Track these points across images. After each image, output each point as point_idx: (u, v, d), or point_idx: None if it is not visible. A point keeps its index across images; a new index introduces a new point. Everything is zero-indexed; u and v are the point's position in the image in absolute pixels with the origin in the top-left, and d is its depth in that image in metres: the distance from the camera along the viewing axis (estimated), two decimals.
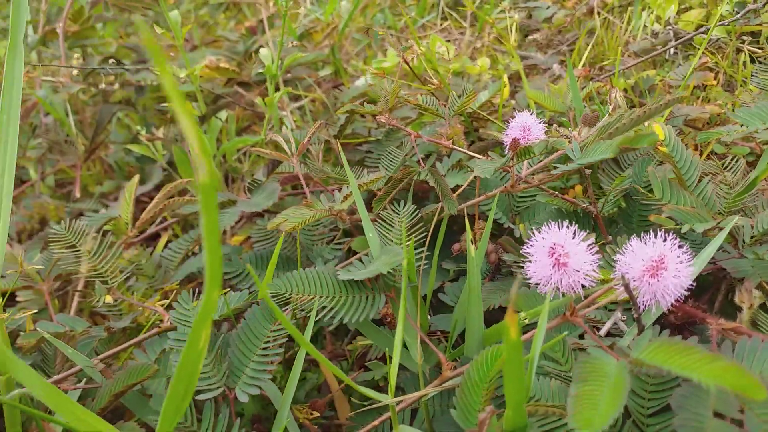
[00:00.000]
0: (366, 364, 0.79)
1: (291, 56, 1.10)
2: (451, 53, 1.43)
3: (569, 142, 0.68)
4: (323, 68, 1.61)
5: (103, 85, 1.16)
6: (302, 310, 0.63)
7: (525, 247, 0.54)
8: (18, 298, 0.94)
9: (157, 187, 1.14)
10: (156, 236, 1.12)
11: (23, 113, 1.29)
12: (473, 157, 0.77)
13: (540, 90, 1.08)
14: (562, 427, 0.53)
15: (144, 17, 1.22)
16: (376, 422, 0.61)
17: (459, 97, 0.83)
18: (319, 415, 0.68)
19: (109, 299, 0.70)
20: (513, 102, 1.21)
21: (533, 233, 0.54)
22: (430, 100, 0.83)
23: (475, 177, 0.79)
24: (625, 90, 1.31)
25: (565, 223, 0.53)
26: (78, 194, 1.17)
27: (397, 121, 0.80)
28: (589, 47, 1.37)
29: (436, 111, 0.82)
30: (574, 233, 0.52)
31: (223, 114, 1.13)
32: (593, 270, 0.51)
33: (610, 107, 0.94)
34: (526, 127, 0.79)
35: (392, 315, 0.65)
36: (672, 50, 1.30)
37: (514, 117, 0.81)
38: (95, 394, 0.64)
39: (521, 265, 0.56)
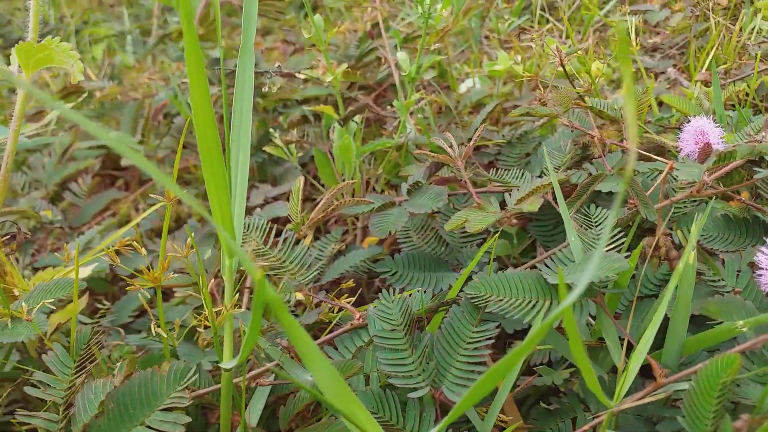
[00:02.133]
0: (534, 368, 0.79)
1: (430, 59, 1.11)
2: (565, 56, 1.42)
3: None
4: (426, 71, 1.61)
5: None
6: (502, 313, 0.63)
7: None
8: (176, 294, 0.97)
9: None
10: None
11: (154, 113, 1.34)
12: (649, 159, 0.76)
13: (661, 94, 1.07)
14: None
15: (277, 21, 1.26)
16: (586, 427, 0.60)
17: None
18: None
19: (299, 296, 0.71)
20: None
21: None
22: (602, 104, 0.82)
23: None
24: (747, 94, 1.27)
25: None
26: None
27: (577, 123, 0.80)
28: (713, 50, 1.34)
29: (612, 115, 0.81)
30: None
31: (357, 117, 1.14)
32: None
33: None
34: (703, 131, 0.78)
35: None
36: None
37: (689, 122, 0.80)
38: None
39: None
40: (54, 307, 0.67)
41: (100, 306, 0.98)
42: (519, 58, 1.59)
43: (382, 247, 1.06)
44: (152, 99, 1.50)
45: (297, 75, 1.08)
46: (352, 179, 1.03)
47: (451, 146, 0.85)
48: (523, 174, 0.87)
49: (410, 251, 0.94)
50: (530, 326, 0.71)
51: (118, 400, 0.53)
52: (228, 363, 0.53)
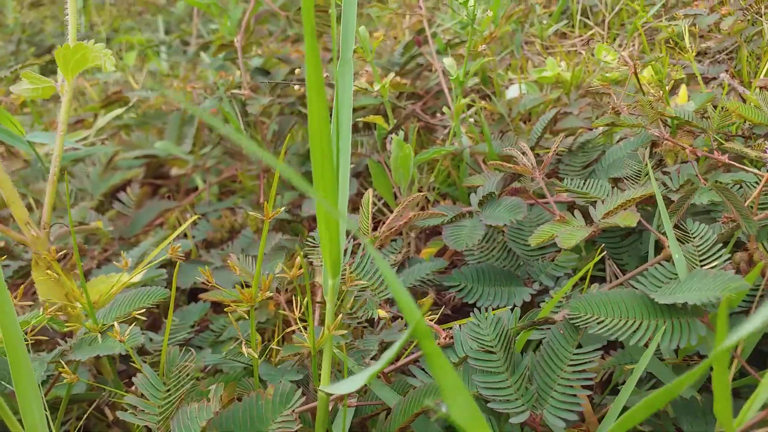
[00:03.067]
0: (619, 387, 0.76)
1: (478, 62, 1.08)
2: (615, 62, 1.39)
3: None
4: (470, 78, 1.59)
5: (290, 98, 1.17)
6: (605, 335, 0.61)
7: None
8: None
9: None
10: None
11: (199, 123, 1.32)
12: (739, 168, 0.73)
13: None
14: None
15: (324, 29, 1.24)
16: None
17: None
18: None
19: (382, 314, 0.69)
20: None
21: None
22: (687, 113, 0.80)
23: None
24: None
25: None
26: (263, 204, 1.19)
27: (665, 133, 0.77)
28: None
29: (696, 123, 0.78)
30: None
31: (409, 126, 1.12)
32: None
33: None
34: None
35: None
36: None
37: None
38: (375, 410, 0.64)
39: None
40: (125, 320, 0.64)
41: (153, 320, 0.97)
42: (563, 64, 1.56)
43: (443, 258, 1.03)
44: (192, 107, 1.49)
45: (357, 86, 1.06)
46: (419, 190, 1.00)
47: (525, 155, 0.82)
48: (600, 185, 0.85)
49: (477, 264, 0.91)
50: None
51: (221, 426, 0.50)
52: (337, 387, 0.50)
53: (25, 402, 0.48)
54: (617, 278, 0.84)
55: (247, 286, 0.93)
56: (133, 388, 0.61)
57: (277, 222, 1.18)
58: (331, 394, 0.54)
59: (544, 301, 0.79)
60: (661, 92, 0.95)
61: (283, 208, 1.20)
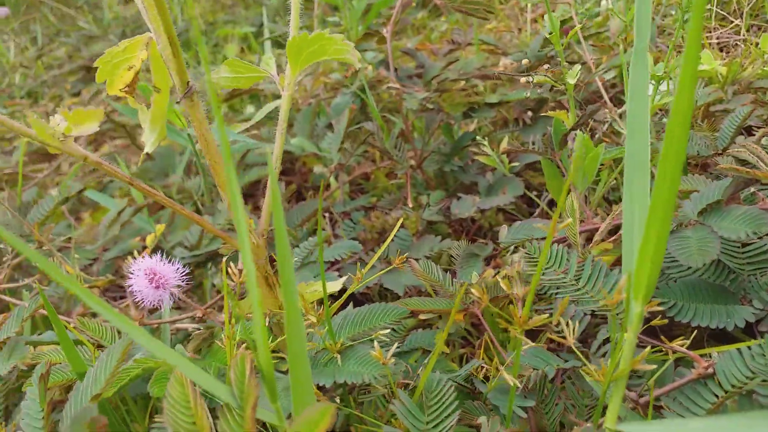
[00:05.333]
0: None
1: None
2: None
3: None
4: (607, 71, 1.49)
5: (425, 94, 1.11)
6: None
7: None
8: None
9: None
10: None
11: (340, 116, 1.27)
12: None
13: None
14: None
15: (484, 20, 1.17)
16: None
17: None
18: None
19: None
20: None
21: None
22: None
23: None
24: None
25: None
26: (410, 204, 1.13)
27: None
28: None
29: None
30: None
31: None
32: None
33: None
34: None
35: None
36: None
37: None
38: None
39: None
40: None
41: None
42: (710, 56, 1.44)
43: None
44: (317, 101, 1.45)
45: (525, 79, 0.98)
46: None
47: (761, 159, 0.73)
48: None
49: (684, 278, 0.83)
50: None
51: None
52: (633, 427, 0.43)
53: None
54: None
55: (434, 294, 0.87)
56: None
57: (426, 224, 1.12)
58: None
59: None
60: None
61: (433, 209, 1.14)
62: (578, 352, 0.52)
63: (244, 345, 0.55)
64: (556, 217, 0.49)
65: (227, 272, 0.62)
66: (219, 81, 0.70)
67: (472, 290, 0.53)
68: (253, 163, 1.35)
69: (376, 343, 0.50)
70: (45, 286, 0.88)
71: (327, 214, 1.24)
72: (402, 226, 1.13)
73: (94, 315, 0.79)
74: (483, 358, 0.76)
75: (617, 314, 0.49)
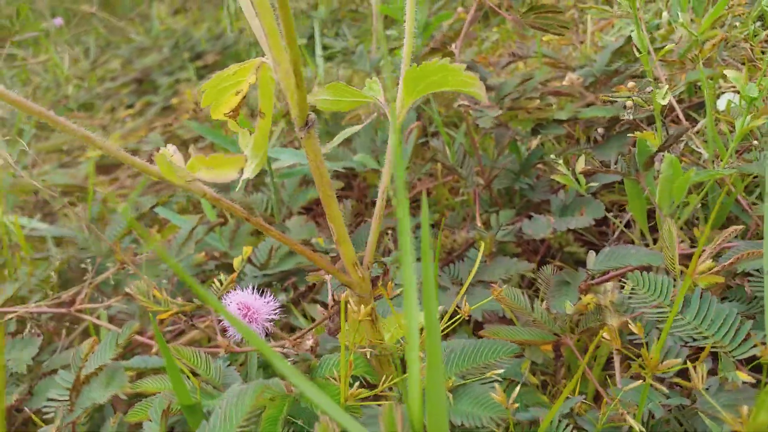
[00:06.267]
0: None
1: None
2: None
3: None
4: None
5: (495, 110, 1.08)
6: None
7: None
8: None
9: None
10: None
11: (407, 133, 1.26)
12: None
13: None
14: None
15: (558, 35, 1.14)
16: None
17: None
18: None
19: (743, 377, 0.58)
20: None
21: None
22: None
23: None
24: None
25: None
26: (480, 223, 1.10)
27: None
28: None
29: None
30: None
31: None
32: None
33: None
34: None
35: None
36: None
37: None
38: None
39: None
40: None
41: None
42: None
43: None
44: (377, 116, 1.43)
45: (626, 101, 0.95)
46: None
47: None
48: None
49: None
50: None
51: None
52: None
53: None
54: None
55: (516, 319, 0.84)
56: None
57: (497, 244, 1.09)
58: None
59: None
60: None
61: (506, 229, 1.11)
62: (707, 397, 0.48)
63: (357, 383, 0.53)
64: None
65: (318, 302, 0.60)
66: (318, 104, 0.68)
67: (605, 335, 0.50)
68: (310, 179, 1.34)
69: (497, 385, 0.48)
70: (124, 304, 0.88)
71: (390, 231, 1.22)
72: (472, 244, 1.11)
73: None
74: (576, 392, 0.73)
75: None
